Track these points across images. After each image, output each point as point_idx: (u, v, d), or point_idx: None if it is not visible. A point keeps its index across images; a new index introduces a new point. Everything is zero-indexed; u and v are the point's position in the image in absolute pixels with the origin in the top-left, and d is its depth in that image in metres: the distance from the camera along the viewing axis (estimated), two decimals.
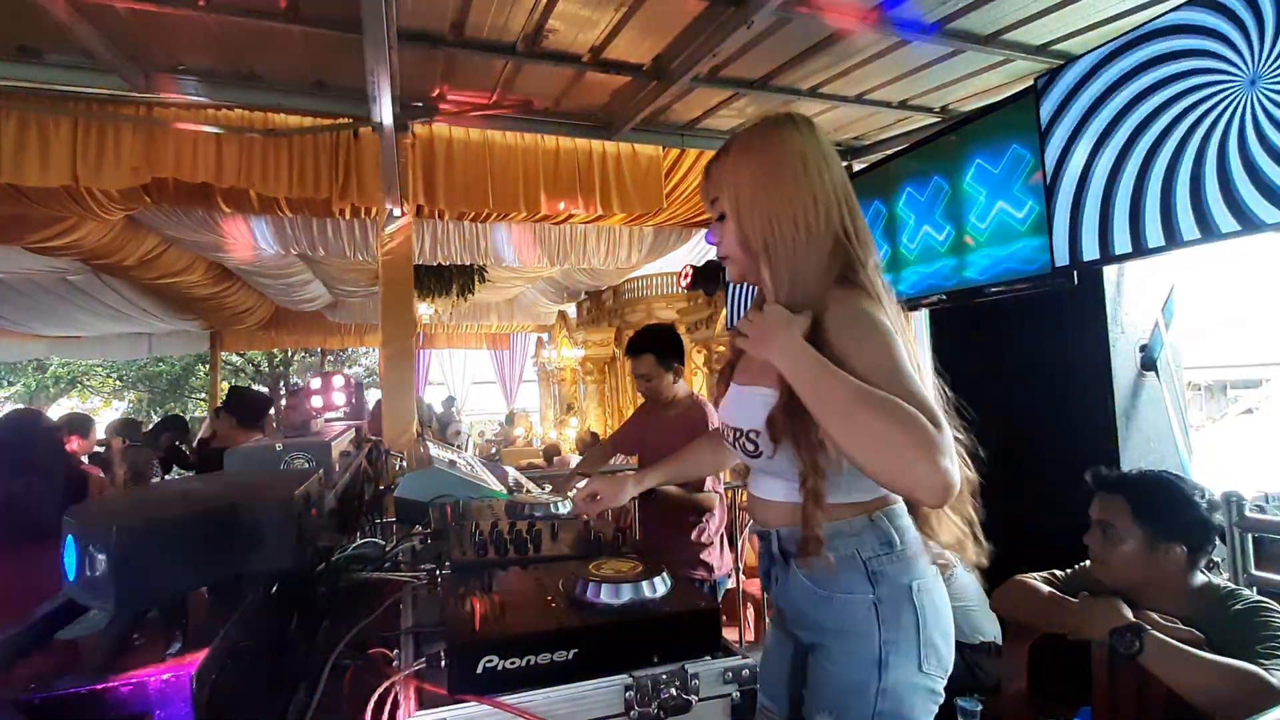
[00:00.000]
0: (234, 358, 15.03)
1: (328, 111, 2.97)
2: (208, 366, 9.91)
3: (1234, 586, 1.43)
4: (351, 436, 2.51)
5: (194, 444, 5.51)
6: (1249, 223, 1.76)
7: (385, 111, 2.51)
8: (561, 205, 3.46)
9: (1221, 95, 1.83)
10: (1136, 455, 2.26)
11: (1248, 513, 1.98)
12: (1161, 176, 1.96)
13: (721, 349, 7.70)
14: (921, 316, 3.16)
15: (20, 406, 9.76)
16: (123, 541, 0.79)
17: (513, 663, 0.84)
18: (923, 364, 1.03)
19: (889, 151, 3.41)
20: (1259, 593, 1.42)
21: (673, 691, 0.87)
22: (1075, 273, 2.26)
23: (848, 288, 1.01)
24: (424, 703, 0.82)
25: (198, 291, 5.86)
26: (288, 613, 1.20)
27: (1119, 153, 2.08)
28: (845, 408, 0.88)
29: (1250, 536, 1.97)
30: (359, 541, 1.63)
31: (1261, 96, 1.74)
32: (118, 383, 16.54)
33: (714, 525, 2.52)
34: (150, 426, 6.44)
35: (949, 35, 2.50)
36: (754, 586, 3.58)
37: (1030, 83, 2.42)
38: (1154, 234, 1.98)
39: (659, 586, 0.99)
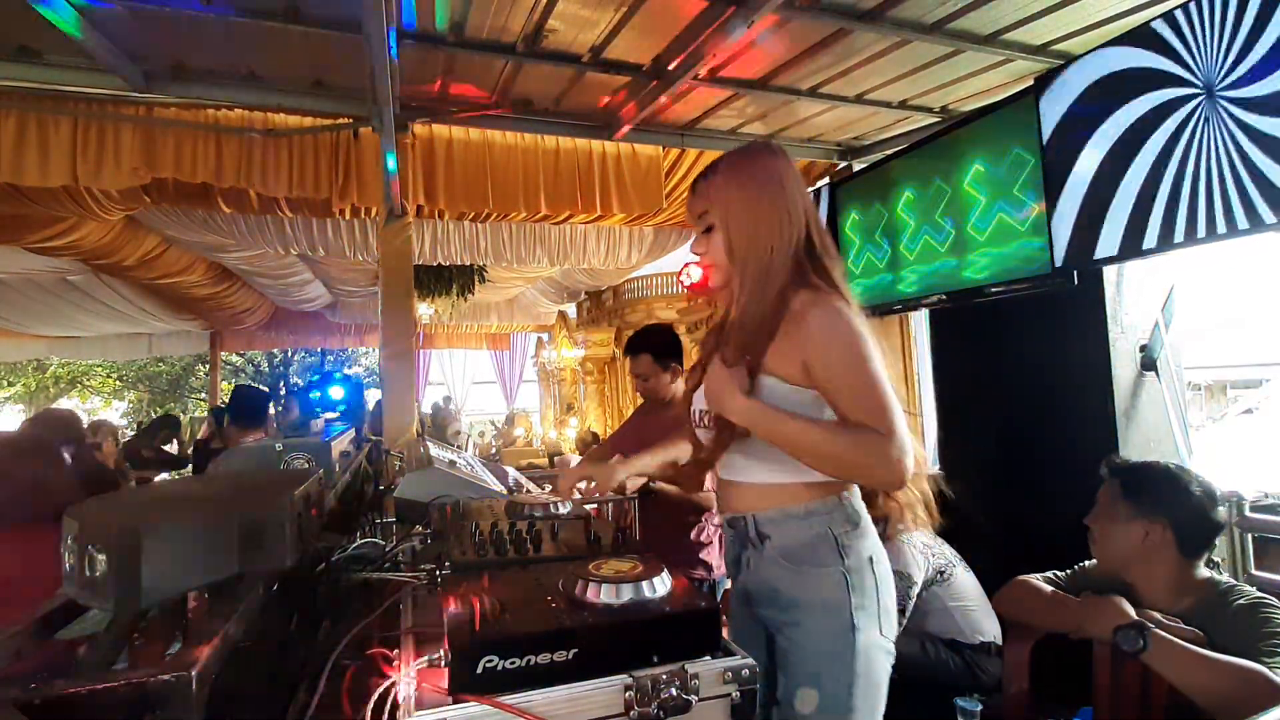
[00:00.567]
0: (234, 358, 15.06)
1: (328, 111, 2.97)
2: (208, 366, 9.91)
3: (1234, 582, 1.43)
4: (351, 436, 2.50)
5: (192, 444, 5.51)
6: (1249, 222, 1.76)
7: (385, 111, 2.51)
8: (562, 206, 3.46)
9: (1194, 107, 1.87)
10: (1136, 455, 2.24)
11: (1248, 513, 1.98)
12: (1161, 176, 1.96)
13: None
14: (921, 316, 3.16)
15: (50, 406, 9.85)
16: (123, 541, 0.78)
17: (513, 663, 0.84)
18: (900, 362, 1.07)
19: (889, 151, 3.41)
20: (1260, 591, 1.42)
21: (673, 691, 0.87)
22: (1075, 273, 2.26)
23: (820, 290, 1.15)
24: (424, 703, 0.82)
25: (198, 292, 5.86)
26: (288, 613, 1.20)
27: (1119, 152, 2.08)
28: (807, 447, 1.08)
29: (1250, 536, 1.98)
30: (359, 542, 1.63)
31: (1221, 109, 1.78)
32: (118, 383, 16.54)
33: (714, 525, 2.51)
34: (147, 425, 6.45)
35: (949, 35, 2.50)
36: None
37: (1030, 83, 2.42)
38: (1154, 234, 1.99)
39: (659, 586, 0.99)
